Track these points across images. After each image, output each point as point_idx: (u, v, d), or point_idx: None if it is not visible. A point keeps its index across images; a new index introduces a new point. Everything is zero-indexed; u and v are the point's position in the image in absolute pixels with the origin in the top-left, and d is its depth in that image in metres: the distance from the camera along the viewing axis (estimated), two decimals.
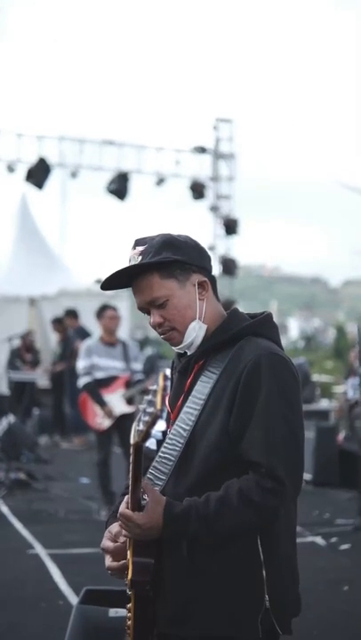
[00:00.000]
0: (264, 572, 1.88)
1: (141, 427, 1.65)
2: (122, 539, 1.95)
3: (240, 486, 1.84)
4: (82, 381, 7.04)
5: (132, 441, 1.70)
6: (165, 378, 1.65)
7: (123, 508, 1.83)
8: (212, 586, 1.89)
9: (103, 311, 7.16)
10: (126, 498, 1.84)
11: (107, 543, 1.98)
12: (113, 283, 2.01)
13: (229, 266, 15.17)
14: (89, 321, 11.86)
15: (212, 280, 2.06)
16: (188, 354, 2.04)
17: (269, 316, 2.07)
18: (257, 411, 1.87)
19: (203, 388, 1.95)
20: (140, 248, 1.98)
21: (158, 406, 1.60)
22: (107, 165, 14.47)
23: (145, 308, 2.01)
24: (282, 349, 2.01)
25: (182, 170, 15.07)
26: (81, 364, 7.09)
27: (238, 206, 15.89)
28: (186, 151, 15.28)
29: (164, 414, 2.00)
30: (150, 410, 1.62)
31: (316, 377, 15.16)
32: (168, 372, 1.74)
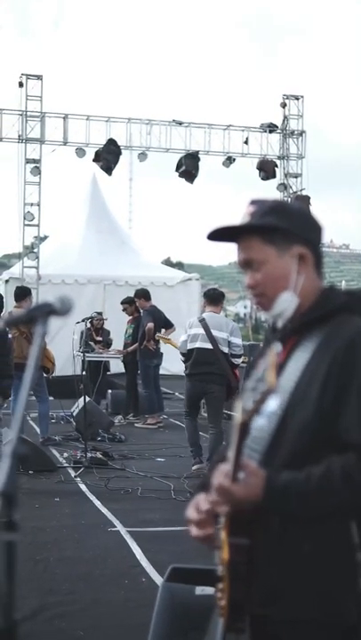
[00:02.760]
0: (359, 556, 1.86)
1: (250, 404, 1.63)
2: (204, 506, 1.92)
3: (343, 464, 1.81)
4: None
5: (238, 419, 1.68)
6: (277, 354, 1.59)
7: (220, 480, 1.81)
8: (303, 567, 1.87)
9: None
10: (223, 470, 1.84)
11: (190, 513, 1.96)
12: (219, 235, 2.03)
13: None
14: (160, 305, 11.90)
15: (317, 254, 2.02)
16: (279, 325, 2.03)
17: None
18: (354, 391, 1.83)
19: (296, 364, 1.92)
20: (252, 208, 1.98)
21: (272, 383, 1.55)
22: (175, 146, 14.47)
23: (244, 267, 2.02)
24: None
25: (251, 149, 14.95)
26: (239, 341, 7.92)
27: (307, 184, 15.70)
28: (255, 129, 15.14)
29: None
30: (261, 387, 1.58)
31: None
32: (280, 347, 1.68)
